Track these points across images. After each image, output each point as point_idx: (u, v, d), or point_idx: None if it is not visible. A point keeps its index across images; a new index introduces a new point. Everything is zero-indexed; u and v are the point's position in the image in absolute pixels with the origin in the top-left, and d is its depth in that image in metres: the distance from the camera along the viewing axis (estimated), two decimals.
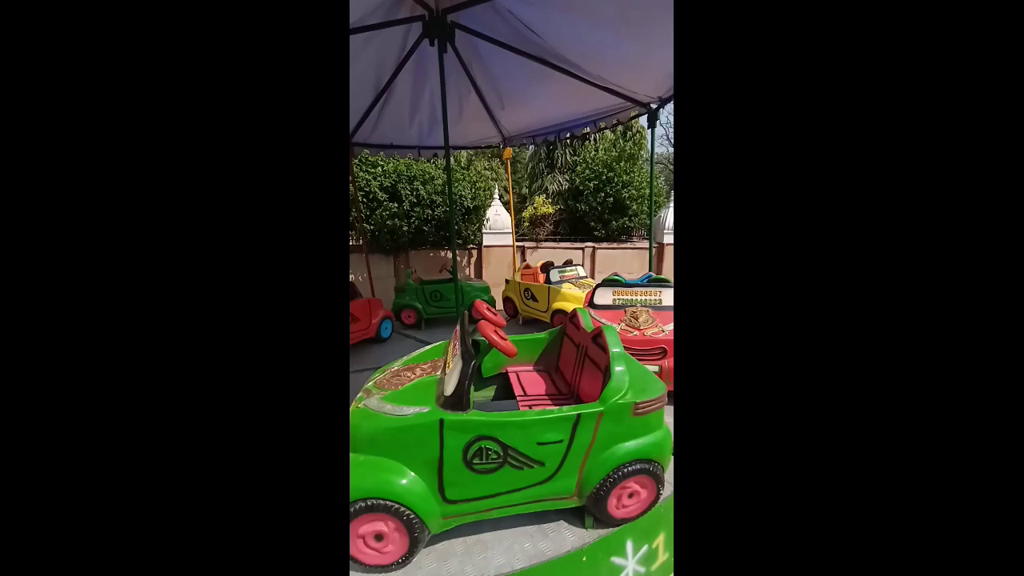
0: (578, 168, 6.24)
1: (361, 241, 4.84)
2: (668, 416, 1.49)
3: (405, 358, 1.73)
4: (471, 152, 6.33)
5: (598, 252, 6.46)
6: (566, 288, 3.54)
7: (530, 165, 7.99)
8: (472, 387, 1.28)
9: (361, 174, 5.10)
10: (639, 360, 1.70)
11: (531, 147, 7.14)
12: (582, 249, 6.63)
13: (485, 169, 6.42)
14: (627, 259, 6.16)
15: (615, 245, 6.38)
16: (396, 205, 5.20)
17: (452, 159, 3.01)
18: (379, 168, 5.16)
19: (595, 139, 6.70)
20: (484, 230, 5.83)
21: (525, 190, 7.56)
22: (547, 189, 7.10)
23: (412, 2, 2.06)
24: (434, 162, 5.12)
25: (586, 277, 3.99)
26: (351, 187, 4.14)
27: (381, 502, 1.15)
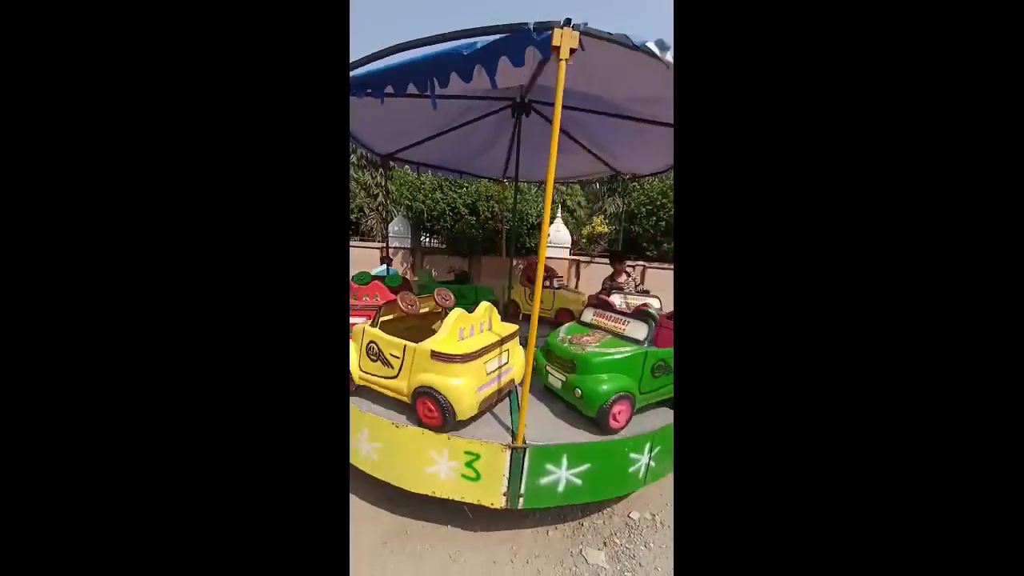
0: (633, 193, 6.88)
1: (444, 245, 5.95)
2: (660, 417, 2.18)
3: (564, 329, 2.40)
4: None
5: (648, 271, 6.98)
6: (560, 292, 4.32)
7: (593, 187, 8.73)
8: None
9: (450, 193, 6.25)
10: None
11: None
12: (633, 267, 7.19)
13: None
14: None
15: (665, 266, 6.86)
16: (475, 218, 6.27)
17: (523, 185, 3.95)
18: (464, 189, 6.28)
19: None
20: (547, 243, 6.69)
21: (586, 210, 8.31)
22: (606, 210, 7.80)
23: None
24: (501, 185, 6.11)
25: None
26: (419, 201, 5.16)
27: (625, 393, 1.96)
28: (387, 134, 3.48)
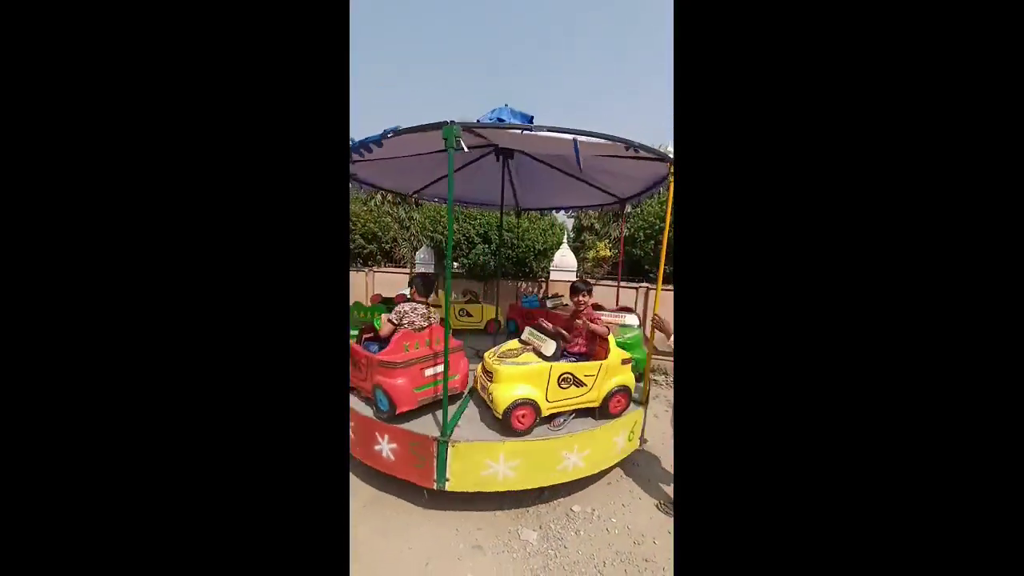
0: (631, 219, 7.47)
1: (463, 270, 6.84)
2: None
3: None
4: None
5: (650, 292, 7.44)
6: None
7: (598, 214, 9.38)
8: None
9: (464, 224, 7.20)
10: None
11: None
12: (636, 288, 7.67)
13: (552, 223, 8.09)
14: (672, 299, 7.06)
15: (667, 287, 7.30)
16: (487, 246, 7.13)
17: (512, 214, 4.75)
18: (477, 220, 7.20)
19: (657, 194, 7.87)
20: (552, 267, 7.39)
21: (592, 237, 8.97)
22: (610, 235, 8.41)
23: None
24: (507, 214, 6.96)
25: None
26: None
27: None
28: (409, 179, 4.45)
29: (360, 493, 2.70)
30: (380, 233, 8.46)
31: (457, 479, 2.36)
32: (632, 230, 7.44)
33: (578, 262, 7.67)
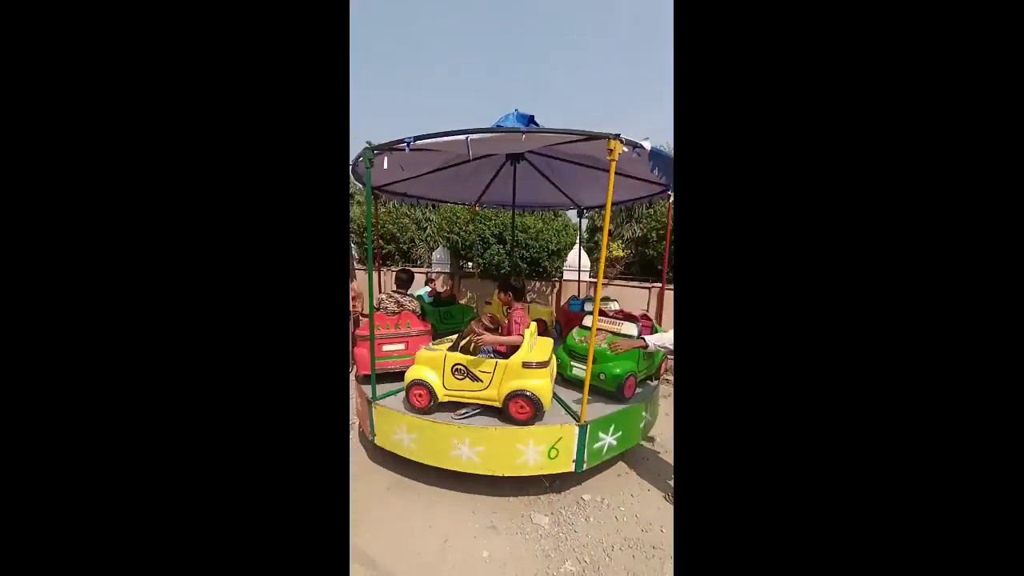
0: (644, 220, 7.52)
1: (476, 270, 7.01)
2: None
3: (575, 332, 3.31)
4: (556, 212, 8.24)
5: (666, 293, 7.47)
6: (532, 305, 5.12)
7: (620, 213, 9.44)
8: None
9: (479, 224, 7.38)
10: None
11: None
12: (649, 288, 7.71)
13: (565, 224, 8.21)
14: None
15: (672, 287, 7.33)
16: (501, 246, 7.29)
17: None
18: (491, 221, 7.37)
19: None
20: (565, 267, 7.50)
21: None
22: (623, 236, 8.46)
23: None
24: (523, 216, 7.09)
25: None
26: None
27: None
28: (429, 186, 4.68)
29: (383, 478, 2.89)
30: (399, 234, 8.71)
31: (380, 437, 2.82)
32: (645, 230, 7.50)
33: (592, 262, 7.77)
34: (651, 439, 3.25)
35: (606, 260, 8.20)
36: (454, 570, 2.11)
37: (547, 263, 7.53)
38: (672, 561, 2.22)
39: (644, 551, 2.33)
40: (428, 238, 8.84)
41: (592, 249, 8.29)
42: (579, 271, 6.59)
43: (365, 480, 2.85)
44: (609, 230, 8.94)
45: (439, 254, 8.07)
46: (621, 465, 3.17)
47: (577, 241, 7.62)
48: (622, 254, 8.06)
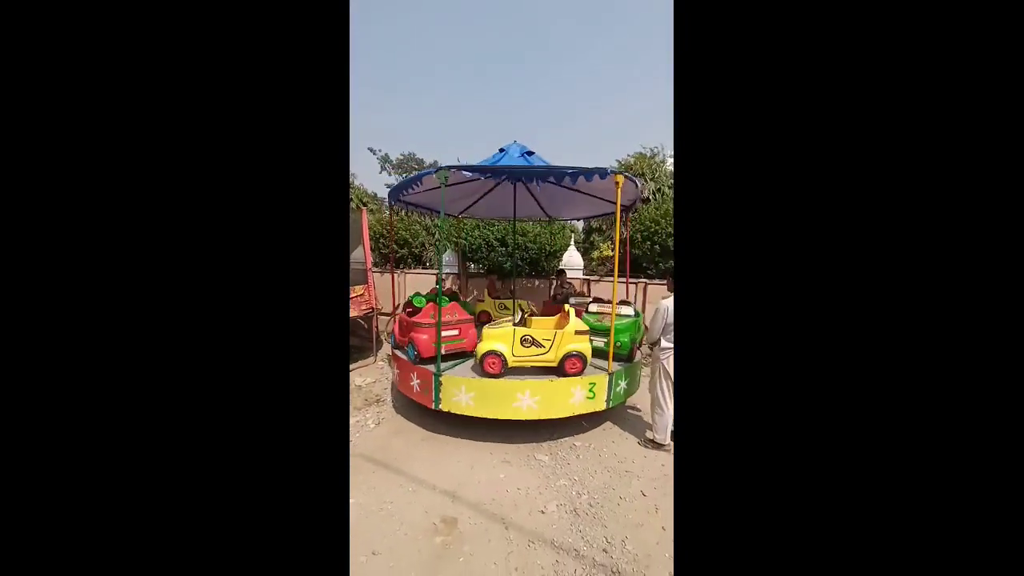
0: (631, 223, 8.36)
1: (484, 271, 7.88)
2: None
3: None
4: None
5: (649, 287, 8.34)
6: (519, 301, 6.03)
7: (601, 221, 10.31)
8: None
9: (484, 230, 8.23)
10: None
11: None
12: (636, 284, 8.58)
13: (562, 227, 9.07)
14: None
15: (661, 282, 8.20)
16: (504, 248, 8.15)
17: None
18: (494, 227, 8.24)
19: (656, 197, 8.79)
20: (561, 266, 8.36)
21: (599, 237, 9.92)
22: (612, 237, 9.34)
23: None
24: (522, 223, 7.96)
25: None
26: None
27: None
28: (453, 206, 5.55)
29: (415, 433, 3.76)
30: (411, 239, 9.56)
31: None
32: (632, 232, 8.34)
33: (586, 261, 8.61)
34: (632, 406, 4.19)
35: (598, 259, 9.07)
36: (480, 484, 2.96)
37: (544, 263, 8.39)
38: (640, 479, 3.06)
39: (619, 474, 3.17)
40: (438, 243, 9.69)
41: (587, 249, 9.17)
42: (570, 269, 7.45)
43: (404, 436, 3.69)
44: (602, 230, 9.82)
45: (448, 256, 8.91)
46: (606, 422, 4.01)
47: (571, 242, 8.48)
48: (611, 253, 8.93)
